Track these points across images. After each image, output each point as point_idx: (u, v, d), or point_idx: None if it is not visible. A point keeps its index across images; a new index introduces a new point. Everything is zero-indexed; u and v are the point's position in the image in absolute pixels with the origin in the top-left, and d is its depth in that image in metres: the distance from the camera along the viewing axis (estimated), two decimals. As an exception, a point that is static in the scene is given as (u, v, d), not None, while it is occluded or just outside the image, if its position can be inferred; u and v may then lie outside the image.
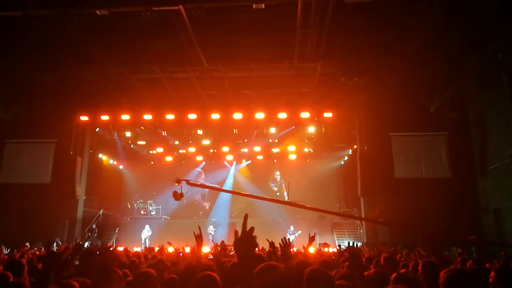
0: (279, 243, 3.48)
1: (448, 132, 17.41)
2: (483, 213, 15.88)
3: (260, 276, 2.05)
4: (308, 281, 2.18)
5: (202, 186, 9.06)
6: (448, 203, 15.90)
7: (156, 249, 11.75)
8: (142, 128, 20.90)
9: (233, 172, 24.76)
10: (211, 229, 20.49)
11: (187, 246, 12.57)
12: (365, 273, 3.21)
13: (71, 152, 18.84)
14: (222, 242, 9.31)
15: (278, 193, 24.47)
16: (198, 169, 24.91)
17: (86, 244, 17.28)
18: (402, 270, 4.38)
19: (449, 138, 17.41)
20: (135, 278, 3.55)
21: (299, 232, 19.78)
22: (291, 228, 20.29)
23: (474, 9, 10.88)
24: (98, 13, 10.99)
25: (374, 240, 16.44)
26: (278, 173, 24.64)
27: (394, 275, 3.47)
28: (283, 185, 24.49)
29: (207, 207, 24.83)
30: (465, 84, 15.31)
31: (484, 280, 2.83)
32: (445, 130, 17.43)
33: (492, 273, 2.98)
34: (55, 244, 15.42)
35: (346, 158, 22.85)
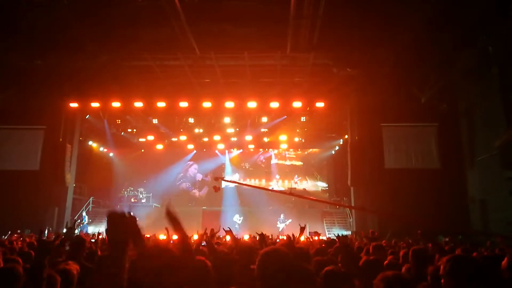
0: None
1: (438, 123, 17.60)
2: (470, 203, 16.18)
3: (263, 259, 2.11)
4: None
5: (237, 183, 9.20)
6: (436, 193, 16.13)
7: (148, 236, 11.76)
8: (133, 115, 20.75)
9: (228, 161, 24.76)
10: (237, 217, 20.49)
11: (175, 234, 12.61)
12: (362, 260, 3.27)
13: (61, 139, 18.65)
14: (212, 229, 9.35)
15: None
16: (189, 161, 24.86)
17: (76, 231, 17.25)
18: (390, 257, 4.47)
19: (439, 129, 17.61)
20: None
21: (289, 220, 20.00)
22: (281, 216, 20.50)
23: (467, 2, 10.95)
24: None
25: (363, 229, 16.66)
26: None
27: (386, 262, 3.55)
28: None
29: (197, 195, 24.86)
30: (456, 76, 15.44)
31: (485, 266, 2.89)
32: (435, 122, 17.62)
33: (506, 259, 3.07)
34: (46, 232, 15.36)
35: (337, 148, 23.00)
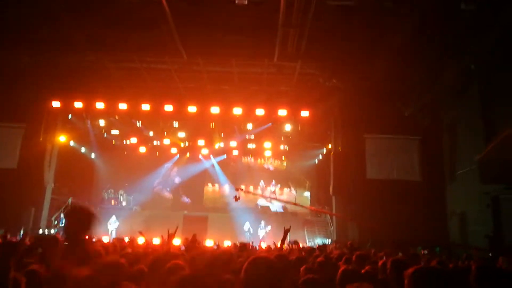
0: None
1: (421, 136, 17.86)
2: (449, 216, 16.44)
3: (250, 265, 2.12)
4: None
5: (260, 195, 9.28)
6: (417, 205, 16.35)
7: (127, 239, 11.60)
8: (117, 117, 20.49)
9: (217, 165, 24.53)
10: (247, 226, 20.23)
11: (155, 237, 12.51)
12: (340, 270, 3.27)
13: (41, 138, 18.27)
14: (194, 235, 9.29)
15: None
16: (169, 164, 24.59)
17: (52, 232, 16.88)
18: (367, 267, 4.48)
19: (421, 142, 17.86)
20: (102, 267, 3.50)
21: (269, 227, 20.00)
22: (262, 223, 20.46)
23: (451, 21, 11.21)
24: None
25: (343, 238, 16.74)
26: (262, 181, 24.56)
27: (363, 271, 3.56)
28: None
29: (170, 198, 24.51)
30: (440, 91, 15.75)
31: (448, 278, 2.93)
32: (418, 135, 17.87)
33: (473, 268, 3.11)
34: (22, 232, 14.99)
35: (320, 157, 23.12)
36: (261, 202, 23.67)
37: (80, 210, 1.72)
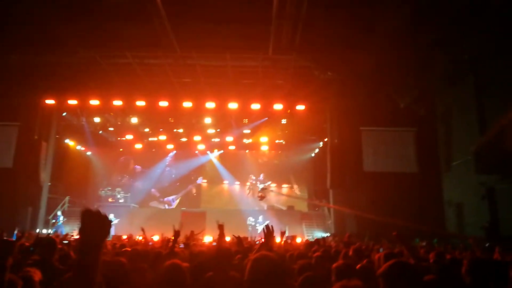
0: (263, 230, 3.46)
1: (416, 128, 17.91)
2: (446, 207, 16.51)
3: (254, 264, 2.12)
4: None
5: (284, 195, 9.34)
6: (414, 196, 16.42)
7: (124, 237, 11.57)
8: (112, 114, 20.38)
9: (216, 160, 24.46)
10: (250, 220, 20.27)
11: (154, 235, 12.49)
12: (334, 264, 3.26)
13: (36, 137, 18.14)
14: (192, 231, 9.28)
15: (248, 191, 24.36)
16: (167, 163, 24.51)
17: (50, 231, 16.82)
18: (365, 261, 4.48)
19: (417, 134, 17.91)
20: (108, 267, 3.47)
21: (267, 221, 20.03)
22: (260, 218, 20.49)
23: (445, 10, 11.17)
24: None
25: (342, 231, 16.80)
26: (253, 176, 24.50)
27: (358, 266, 3.55)
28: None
29: (157, 195, 24.44)
30: (434, 81, 15.75)
31: (423, 272, 2.94)
32: (414, 126, 17.92)
33: (465, 262, 3.12)
34: (16, 232, 14.88)
35: (316, 150, 23.14)
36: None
37: (96, 214, 1.59)
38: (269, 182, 24.00)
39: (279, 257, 3.27)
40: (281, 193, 22.57)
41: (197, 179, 24.52)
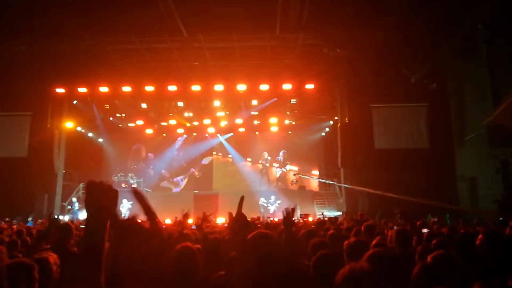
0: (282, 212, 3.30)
1: (427, 103, 17.65)
2: (459, 182, 16.40)
3: (254, 243, 2.11)
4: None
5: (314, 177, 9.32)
6: (425, 172, 16.32)
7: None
8: (121, 100, 20.46)
9: (225, 142, 24.49)
10: (262, 201, 20.38)
11: (167, 218, 12.71)
12: (346, 241, 3.28)
13: (48, 125, 18.41)
14: (204, 213, 9.39)
15: (263, 169, 24.35)
16: (176, 145, 24.60)
17: (66, 218, 17.18)
18: (378, 237, 4.50)
19: (428, 109, 17.67)
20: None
21: (279, 201, 20.18)
22: (272, 198, 20.62)
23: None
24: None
25: (353, 209, 16.84)
26: (266, 153, 24.43)
27: (373, 242, 3.56)
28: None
29: (167, 175, 24.62)
30: (445, 55, 15.43)
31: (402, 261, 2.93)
32: (425, 101, 17.67)
33: (480, 236, 3.12)
34: (30, 219, 15.26)
35: (327, 129, 23.02)
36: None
37: (101, 184, 1.51)
38: (288, 164, 23.91)
39: (293, 235, 3.29)
40: (312, 176, 22.50)
41: (201, 161, 24.64)
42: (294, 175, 17.74)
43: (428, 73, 16.31)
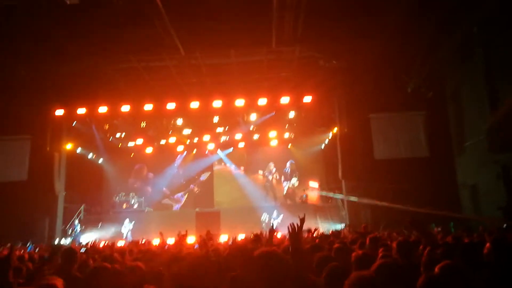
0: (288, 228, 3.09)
1: (425, 111, 17.69)
2: (460, 189, 16.31)
3: (260, 261, 2.10)
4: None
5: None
6: (426, 181, 16.25)
7: (143, 241, 11.69)
8: (120, 120, 20.50)
9: (226, 158, 24.35)
10: (264, 216, 20.20)
11: (170, 237, 12.60)
12: (353, 254, 3.24)
13: (48, 148, 18.41)
14: (208, 231, 9.34)
15: (267, 183, 24.10)
16: (176, 163, 24.50)
17: (67, 241, 17.06)
18: (381, 249, 4.45)
19: (426, 117, 17.69)
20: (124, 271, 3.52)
21: (282, 215, 20.03)
22: (274, 213, 20.48)
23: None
24: (68, 2, 10.62)
25: (356, 222, 16.71)
26: (272, 164, 24.18)
27: (379, 254, 3.53)
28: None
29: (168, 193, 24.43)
30: (442, 60, 15.49)
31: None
32: (423, 109, 17.70)
33: (487, 244, 3.09)
34: (29, 244, 15.11)
35: (326, 141, 22.99)
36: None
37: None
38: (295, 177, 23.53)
39: (299, 252, 3.23)
40: (322, 191, 22.05)
41: (200, 177, 24.50)
42: (316, 193, 17.55)
43: (425, 80, 16.36)
